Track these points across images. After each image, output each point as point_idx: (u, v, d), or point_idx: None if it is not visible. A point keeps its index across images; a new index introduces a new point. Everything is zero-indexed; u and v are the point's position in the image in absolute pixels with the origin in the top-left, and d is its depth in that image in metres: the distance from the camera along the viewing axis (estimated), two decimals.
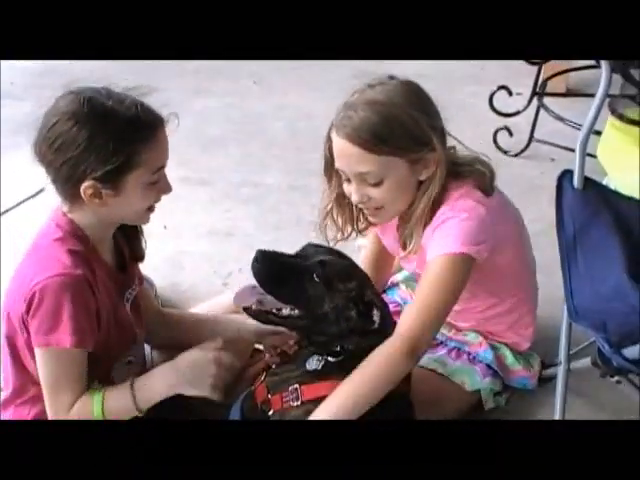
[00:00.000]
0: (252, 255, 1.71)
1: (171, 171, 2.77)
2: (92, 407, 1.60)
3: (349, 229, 1.89)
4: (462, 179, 1.72)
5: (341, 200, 1.83)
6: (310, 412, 1.65)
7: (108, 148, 1.50)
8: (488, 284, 1.84)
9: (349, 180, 1.72)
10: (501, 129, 3.03)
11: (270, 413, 1.73)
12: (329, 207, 1.85)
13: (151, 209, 1.65)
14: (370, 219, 1.83)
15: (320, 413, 1.61)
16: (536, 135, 2.99)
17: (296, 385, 1.71)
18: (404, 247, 1.77)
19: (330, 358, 1.72)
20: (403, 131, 1.59)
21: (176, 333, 1.86)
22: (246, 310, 1.75)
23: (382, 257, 2.06)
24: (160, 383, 1.62)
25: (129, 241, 1.76)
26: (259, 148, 3.10)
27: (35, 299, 1.53)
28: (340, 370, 1.70)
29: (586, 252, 1.62)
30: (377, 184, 1.66)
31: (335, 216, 1.86)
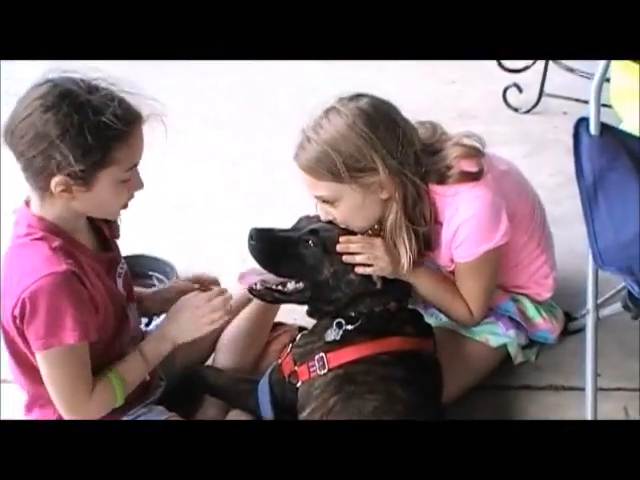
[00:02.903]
0: None
1: (180, 152, 2.81)
2: (113, 388, 1.61)
3: None
4: (449, 177, 1.76)
5: None
6: (338, 377, 1.67)
7: (84, 145, 1.46)
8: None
9: None
10: (510, 86, 2.99)
11: (298, 385, 1.74)
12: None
13: (125, 206, 1.61)
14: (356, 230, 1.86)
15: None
16: (546, 89, 2.95)
17: (322, 354, 1.72)
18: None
19: (348, 326, 1.73)
20: (345, 162, 1.68)
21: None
22: (251, 291, 1.77)
23: None
24: (162, 344, 1.69)
25: (105, 220, 1.70)
26: (266, 123, 3.08)
27: (27, 306, 1.49)
28: (360, 334, 1.72)
29: (607, 197, 1.61)
30: (333, 205, 1.76)
31: None
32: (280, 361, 1.81)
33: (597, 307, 1.75)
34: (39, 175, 1.51)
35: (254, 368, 1.90)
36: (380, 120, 1.70)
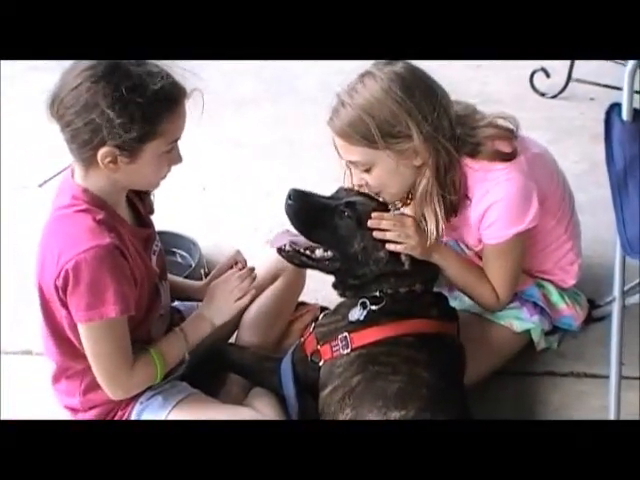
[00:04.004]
0: None
1: (207, 133, 2.81)
2: (155, 364, 1.64)
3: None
4: (481, 152, 1.75)
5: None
6: (361, 357, 1.68)
7: (132, 116, 1.48)
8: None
9: None
10: (538, 71, 2.96)
11: (320, 363, 1.75)
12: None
13: (164, 177, 1.64)
14: (387, 200, 1.85)
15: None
16: (574, 75, 2.92)
17: (345, 334, 1.73)
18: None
19: (373, 306, 1.74)
20: (379, 127, 1.67)
21: None
22: (280, 251, 1.78)
23: None
24: (202, 325, 1.73)
25: (141, 196, 1.73)
26: (292, 105, 3.07)
27: (70, 277, 1.51)
28: (384, 315, 1.73)
29: (638, 184, 1.59)
30: (367, 170, 1.75)
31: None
32: (303, 340, 1.82)
33: (623, 294, 1.74)
34: (86, 146, 1.52)
35: (277, 346, 1.92)
36: (416, 85, 1.69)
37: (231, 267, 1.81)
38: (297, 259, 1.78)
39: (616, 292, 1.74)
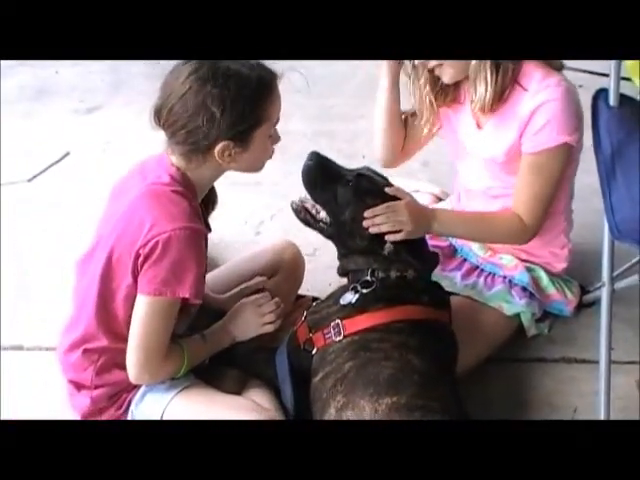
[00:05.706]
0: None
1: None
2: (182, 361, 1.67)
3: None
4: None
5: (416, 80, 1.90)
6: (353, 343, 1.68)
7: (241, 109, 1.56)
8: None
9: None
10: None
11: (313, 352, 1.75)
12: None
13: (270, 158, 1.72)
14: (444, 80, 1.85)
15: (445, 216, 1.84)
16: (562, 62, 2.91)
17: (337, 320, 1.73)
18: (471, 101, 1.81)
19: (363, 290, 1.74)
20: None
21: None
22: (291, 204, 1.85)
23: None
24: (225, 337, 1.78)
25: (209, 196, 1.76)
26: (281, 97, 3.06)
27: (158, 248, 1.55)
28: (376, 300, 1.73)
29: (625, 169, 1.61)
30: None
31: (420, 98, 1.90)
32: (295, 329, 1.82)
33: (612, 279, 1.75)
34: (199, 144, 1.58)
35: (273, 337, 1.90)
36: None
37: (257, 291, 1.85)
38: (302, 214, 1.83)
39: (605, 277, 1.74)
